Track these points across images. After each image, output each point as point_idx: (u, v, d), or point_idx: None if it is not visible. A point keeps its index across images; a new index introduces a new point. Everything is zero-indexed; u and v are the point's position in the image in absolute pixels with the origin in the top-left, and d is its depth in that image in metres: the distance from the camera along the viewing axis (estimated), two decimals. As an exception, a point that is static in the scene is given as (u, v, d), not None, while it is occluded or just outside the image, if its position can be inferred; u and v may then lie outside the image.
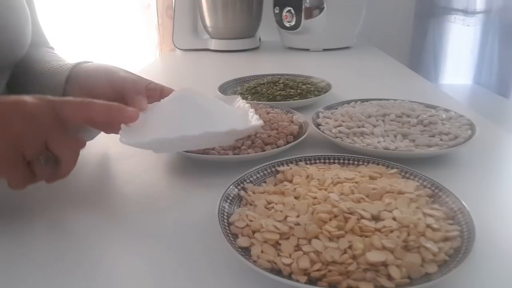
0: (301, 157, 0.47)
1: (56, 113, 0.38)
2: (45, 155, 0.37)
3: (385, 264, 0.30)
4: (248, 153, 0.50)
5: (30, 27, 0.57)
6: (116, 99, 0.46)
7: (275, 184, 0.43)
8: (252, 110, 0.45)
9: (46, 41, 0.66)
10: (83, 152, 0.56)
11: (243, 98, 0.73)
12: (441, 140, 0.51)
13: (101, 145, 0.54)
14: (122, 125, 0.41)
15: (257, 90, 0.76)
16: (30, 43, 0.57)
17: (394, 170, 0.43)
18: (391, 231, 0.32)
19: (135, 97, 0.45)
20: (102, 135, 0.49)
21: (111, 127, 0.46)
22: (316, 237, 0.32)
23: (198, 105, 0.42)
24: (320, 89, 0.77)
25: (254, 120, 0.42)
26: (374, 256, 0.30)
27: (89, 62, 0.53)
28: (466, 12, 1.51)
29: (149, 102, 0.47)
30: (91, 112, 0.39)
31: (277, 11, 1.27)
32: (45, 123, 0.37)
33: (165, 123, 0.40)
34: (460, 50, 1.59)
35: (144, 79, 0.50)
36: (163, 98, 0.46)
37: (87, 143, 0.54)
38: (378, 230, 0.32)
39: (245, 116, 0.44)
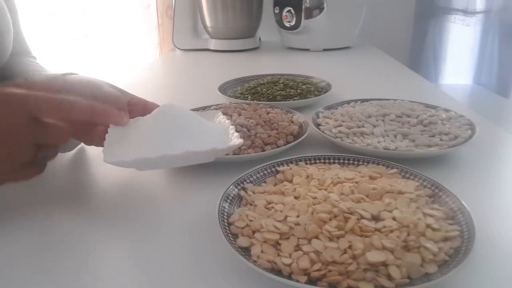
0: (301, 157, 0.47)
1: (32, 114, 0.37)
2: (42, 152, 0.38)
3: (385, 264, 0.30)
4: (248, 153, 0.50)
5: (11, 35, 0.56)
6: None
7: (275, 184, 0.43)
8: (233, 127, 0.46)
9: (29, 50, 0.66)
10: (82, 153, 0.56)
11: (243, 98, 0.73)
12: (441, 140, 0.51)
13: (100, 146, 0.54)
14: (105, 142, 0.42)
15: (257, 90, 0.76)
16: (12, 52, 0.57)
17: (394, 170, 0.43)
18: (391, 231, 0.32)
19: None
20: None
21: (92, 138, 0.46)
22: (316, 237, 0.32)
23: (180, 123, 0.42)
24: (320, 89, 0.77)
25: (234, 138, 0.43)
26: (374, 256, 0.30)
27: (74, 74, 0.53)
28: (466, 12, 1.51)
29: (132, 116, 0.47)
30: (72, 115, 0.39)
31: (277, 11, 1.27)
32: (26, 135, 0.37)
33: (147, 142, 0.41)
34: (460, 50, 1.59)
35: (127, 94, 0.50)
36: (146, 113, 0.46)
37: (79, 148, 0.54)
38: (378, 230, 0.32)
39: (226, 134, 0.45)
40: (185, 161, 0.42)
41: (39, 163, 0.40)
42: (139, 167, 0.41)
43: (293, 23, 1.24)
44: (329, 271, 0.30)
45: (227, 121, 0.48)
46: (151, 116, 0.44)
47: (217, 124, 0.49)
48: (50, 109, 0.38)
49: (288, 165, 0.46)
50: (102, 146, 0.42)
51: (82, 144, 0.57)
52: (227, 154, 0.50)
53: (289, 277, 0.30)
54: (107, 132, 0.43)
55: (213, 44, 1.33)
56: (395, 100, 0.64)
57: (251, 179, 0.43)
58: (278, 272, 0.31)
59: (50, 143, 0.39)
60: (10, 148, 0.36)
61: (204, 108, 0.64)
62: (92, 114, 0.40)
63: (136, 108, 0.49)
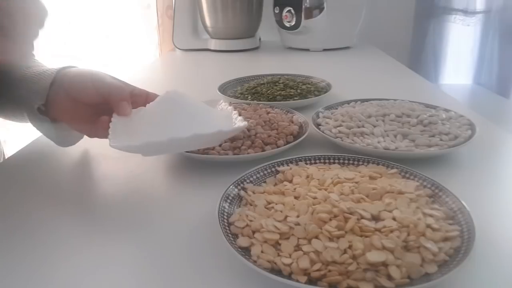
0: (301, 157, 0.47)
1: None
2: None
3: (385, 264, 0.30)
4: (248, 153, 0.50)
5: None
6: (101, 105, 0.47)
7: (275, 184, 0.43)
8: (236, 112, 0.46)
9: None
10: (83, 152, 0.56)
11: (243, 98, 0.73)
12: (441, 140, 0.51)
13: (101, 146, 0.54)
14: (110, 130, 0.42)
15: (257, 90, 0.76)
16: None
17: (394, 170, 0.43)
18: (391, 231, 0.32)
19: (120, 103, 0.46)
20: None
21: (96, 130, 0.46)
22: (316, 237, 0.32)
23: (184, 107, 0.43)
24: (320, 89, 0.77)
25: (238, 121, 0.43)
26: (374, 256, 0.30)
27: (74, 67, 0.53)
28: (466, 12, 1.51)
29: (134, 107, 0.48)
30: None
31: (277, 11, 1.27)
32: None
33: (153, 126, 0.41)
34: (460, 50, 1.59)
35: (129, 85, 0.50)
36: (147, 104, 0.47)
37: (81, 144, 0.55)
38: (378, 230, 0.32)
39: (230, 117, 0.45)
40: (192, 145, 0.42)
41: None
42: (146, 152, 0.41)
43: (293, 23, 1.24)
44: (329, 271, 0.30)
45: (229, 107, 0.48)
46: (155, 103, 0.45)
47: (220, 111, 0.50)
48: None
49: (288, 165, 0.46)
50: (106, 138, 0.42)
51: (83, 144, 0.57)
52: (227, 154, 0.50)
53: (289, 277, 0.30)
54: (110, 122, 0.44)
55: (213, 44, 1.33)
56: (395, 100, 0.64)
57: (251, 179, 0.43)
58: (278, 272, 0.31)
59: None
60: None
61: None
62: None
63: (138, 99, 0.49)
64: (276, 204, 0.37)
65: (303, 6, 1.20)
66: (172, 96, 0.44)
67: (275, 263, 0.31)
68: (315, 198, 0.37)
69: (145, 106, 0.47)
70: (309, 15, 1.21)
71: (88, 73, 0.49)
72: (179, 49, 1.36)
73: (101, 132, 0.45)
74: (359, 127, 0.55)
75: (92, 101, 0.47)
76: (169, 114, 0.41)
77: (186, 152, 0.49)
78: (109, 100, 0.46)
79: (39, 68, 0.53)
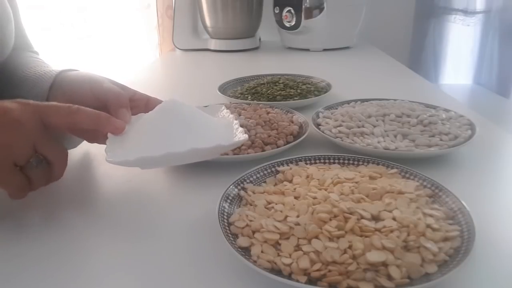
0: (301, 157, 0.47)
1: (41, 118, 0.39)
2: (36, 158, 0.38)
3: (385, 264, 0.30)
4: (248, 153, 0.50)
5: (13, 27, 0.56)
6: (100, 109, 0.46)
7: (275, 184, 0.43)
8: (237, 122, 0.45)
9: (30, 45, 0.65)
10: (84, 152, 0.56)
11: (243, 98, 0.73)
12: (441, 140, 0.51)
13: (101, 146, 0.54)
14: (108, 142, 0.41)
15: (257, 90, 0.76)
16: (13, 47, 0.56)
17: (394, 170, 0.43)
18: (391, 231, 0.32)
19: (118, 110, 0.45)
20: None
21: (96, 136, 0.46)
22: (316, 237, 0.32)
23: (183, 120, 0.42)
24: (320, 89, 0.77)
25: (239, 133, 0.42)
26: (374, 256, 0.30)
27: (74, 70, 0.53)
28: (466, 12, 1.51)
29: (135, 112, 0.47)
30: (78, 118, 0.40)
31: (277, 11, 1.27)
32: (31, 128, 0.38)
33: (150, 139, 0.40)
34: (460, 50, 1.59)
35: (129, 90, 0.49)
36: (148, 109, 0.46)
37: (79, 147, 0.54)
38: (378, 230, 0.32)
39: (230, 129, 0.44)
40: (189, 159, 0.42)
41: (26, 178, 0.38)
42: (143, 165, 0.41)
43: (293, 23, 1.24)
44: (329, 271, 0.30)
45: (231, 116, 0.47)
46: (153, 113, 0.44)
47: (221, 119, 0.49)
48: (58, 112, 0.39)
49: (288, 165, 0.46)
50: (105, 143, 0.41)
51: (83, 144, 0.57)
52: (227, 154, 0.50)
53: (289, 277, 0.30)
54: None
55: (213, 44, 1.33)
56: (395, 100, 0.64)
57: (251, 179, 0.43)
58: (278, 272, 0.31)
59: (47, 154, 0.39)
60: (10, 135, 0.36)
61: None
62: (96, 120, 0.41)
63: (139, 103, 0.49)
64: (276, 204, 0.37)
65: (303, 6, 1.20)
66: (170, 107, 0.43)
67: (275, 263, 0.31)
68: (315, 198, 0.37)
69: (145, 111, 0.47)
70: (309, 15, 1.21)
71: (87, 78, 0.49)
72: (179, 49, 1.36)
73: (101, 139, 0.44)
74: (359, 127, 0.55)
75: (90, 106, 0.47)
76: (166, 127, 0.41)
77: None
78: (107, 105, 0.46)
79: (40, 69, 0.53)
